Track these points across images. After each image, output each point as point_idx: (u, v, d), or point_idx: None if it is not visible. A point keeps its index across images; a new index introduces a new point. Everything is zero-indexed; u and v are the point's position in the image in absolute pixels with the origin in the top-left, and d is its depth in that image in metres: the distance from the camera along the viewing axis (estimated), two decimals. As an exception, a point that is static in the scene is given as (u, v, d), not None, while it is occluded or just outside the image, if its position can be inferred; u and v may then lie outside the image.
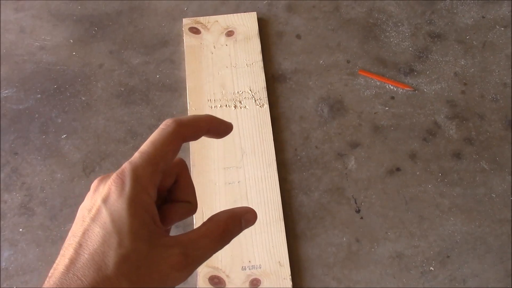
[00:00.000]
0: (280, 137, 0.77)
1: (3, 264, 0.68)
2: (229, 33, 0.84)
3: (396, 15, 0.87)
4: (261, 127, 0.76)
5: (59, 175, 0.74)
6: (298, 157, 0.76)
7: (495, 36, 0.85)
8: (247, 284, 0.66)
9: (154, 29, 0.87)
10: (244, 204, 0.70)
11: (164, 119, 0.78)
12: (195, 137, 0.35)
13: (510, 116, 0.78)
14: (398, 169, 0.75)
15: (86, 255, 0.30)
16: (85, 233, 0.30)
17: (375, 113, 0.79)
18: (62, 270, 0.30)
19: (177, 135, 0.33)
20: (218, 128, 0.36)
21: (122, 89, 0.81)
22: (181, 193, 0.37)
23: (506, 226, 0.71)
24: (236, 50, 0.82)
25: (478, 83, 0.81)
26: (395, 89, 0.81)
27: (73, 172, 0.74)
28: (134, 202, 0.31)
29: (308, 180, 0.74)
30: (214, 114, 0.76)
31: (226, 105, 0.78)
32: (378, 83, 0.81)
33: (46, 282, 0.31)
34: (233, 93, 0.79)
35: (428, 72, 0.82)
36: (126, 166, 0.32)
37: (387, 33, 0.86)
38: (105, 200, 0.31)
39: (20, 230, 0.70)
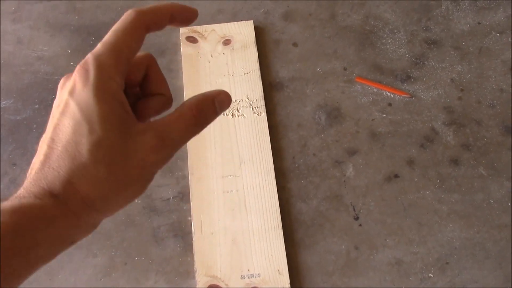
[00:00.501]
0: (278, 145, 0.77)
1: (1, 275, 0.68)
2: (226, 42, 0.84)
3: (392, 22, 0.88)
4: (259, 135, 0.76)
5: (57, 185, 0.74)
6: (296, 165, 0.76)
7: (491, 42, 0.85)
8: (246, 293, 0.66)
9: (151, 38, 0.87)
10: (243, 214, 0.70)
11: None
12: (159, 24, 0.34)
13: (507, 122, 0.78)
14: (396, 176, 0.75)
15: (59, 148, 0.30)
16: (56, 127, 0.31)
17: (372, 120, 0.79)
18: (38, 166, 0.30)
19: (138, 23, 0.33)
20: (181, 13, 0.36)
21: (120, 98, 0.81)
22: (153, 86, 0.37)
23: (505, 231, 0.71)
24: (233, 59, 0.83)
25: (474, 89, 0.81)
26: (392, 96, 0.81)
27: (72, 182, 0.74)
28: (100, 89, 0.30)
29: (306, 187, 0.74)
30: (211, 123, 0.77)
31: (224, 114, 0.78)
32: (375, 90, 0.81)
33: (24, 182, 0.31)
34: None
35: (424, 79, 0.82)
36: (88, 56, 0.32)
37: (384, 40, 0.86)
38: (71, 93, 0.31)
39: (19, 241, 0.70)
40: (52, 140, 0.30)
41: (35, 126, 0.79)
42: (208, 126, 0.77)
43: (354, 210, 0.73)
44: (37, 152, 0.31)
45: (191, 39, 0.84)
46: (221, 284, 0.66)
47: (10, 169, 0.75)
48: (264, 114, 0.78)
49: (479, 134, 0.78)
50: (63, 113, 0.31)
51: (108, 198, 0.31)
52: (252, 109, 0.78)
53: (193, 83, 0.80)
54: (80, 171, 0.30)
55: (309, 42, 0.86)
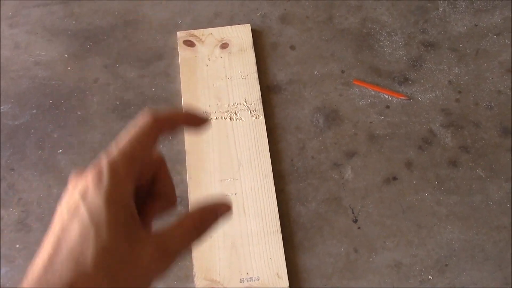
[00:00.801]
0: (276, 148, 0.77)
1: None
2: (224, 45, 0.84)
3: (389, 24, 0.88)
4: (257, 138, 0.76)
5: (55, 190, 0.74)
6: (295, 168, 0.76)
7: (488, 44, 0.86)
8: (245, 297, 0.65)
9: (148, 42, 0.87)
10: (241, 217, 0.70)
11: (160, 132, 0.78)
12: (172, 131, 0.35)
13: (505, 123, 0.78)
14: (394, 178, 0.75)
15: (64, 251, 0.30)
16: (64, 229, 0.30)
17: (370, 122, 0.79)
18: (40, 268, 0.30)
19: (154, 129, 0.33)
20: (195, 122, 0.36)
21: (118, 103, 0.81)
22: (160, 187, 0.37)
23: (503, 233, 0.71)
24: (231, 62, 0.83)
25: (472, 91, 0.81)
26: (390, 98, 0.81)
27: (70, 187, 0.74)
28: (112, 196, 0.31)
29: (305, 190, 0.74)
30: (210, 126, 0.77)
31: (221, 117, 0.78)
32: (372, 93, 0.81)
33: (24, 281, 0.30)
34: (229, 105, 0.79)
35: (422, 81, 0.82)
36: (103, 160, 0.32)
37: (381, 43, 0.86)
38: (83, 195, 0.31)
39: (17, 246, 0.70)
40: (59, 242, 0.30)
41: (32, 131, 0.78)
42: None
43: (353, 212, 0.72)
44: (41, 250, 0.31)
45: (189, 43, 0.84)
46: (220, 288, 0.66)
47: (8, 174, 0.75)
48: (262, 117, 0.78)
49: (477, 136, 0.78)
50: (72, 215, 0.31)
51: None
52: (250, 112, 0.78)
53: (190, 87, 0.80)
54: (82, 279, 0.29)
55: (307, 45, 0.86)
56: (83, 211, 0.30)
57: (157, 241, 0.32)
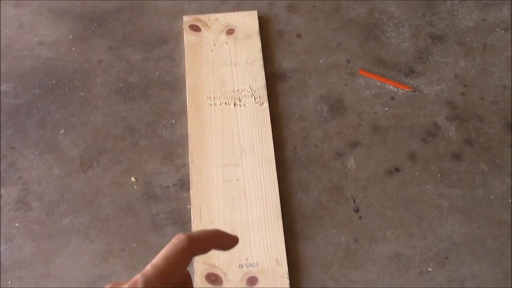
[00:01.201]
0: (280, 135, 0.77)
1: (-2, 259, 0.67)
2: (230, 31, 0.84)
3: (396, 16, 0.87)
4: (260, 125, 0.76)
5: (56, 170, 0.73)
6: (297, 156, 0.75)
7: (495, 39, 0.85)
8: (244, 282, 0.65)
9: (154, 26, 0.86)
10: (242, 203, 0.70)
11: (163, 116, 0.78)
12: (205, 252, 0.37)
13: (510, 118, 0.78)
14: (397, 170, 0.74)
15: None
16: None
17: (375, 113, 0.79)
18: None
19: (188, 251, 0.35)
20: (225, 242, 0.39)
21: (121, 85, 0.80)
22: None
23: (505, 228, 0.71)
24: (236, 48, 0.82)
25: (478, 85, 0.81)
26: (395, 89, 0.80)
27: (71, 167, 0.74)
28: None
29: (307, 179, 0.74)
30: (213, 112, 0.76)
31: (225, 103, 0.77)
32: (378, 84, 0.81)
33: None
34: (233, 91, 0.78)
35: (428, 73, 0.82)
36: (139, 278, 0.33)
37: (388, 34, 0.86)
38: None
39: (16, 224, 0.69)
40: None
41: (35, 110, 0.78)
42: (210, 115, 0.77)
43: (355, 202, 0.72)
44: None
45: (195, 28, 0.84)
46: (219, 273, 0.65)
47: (9, 152, 0.75)
48: (266, 104, 0.77)
49: (482, 130, 0.77)
50: None
51: None
52: (254, 99, 0.78)
53: (195, 71, 0.80)
54: None
55: (313, 34, 0.86)
56: None
57: None
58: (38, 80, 0.81)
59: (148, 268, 0.34)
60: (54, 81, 0.80)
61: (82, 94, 0.79)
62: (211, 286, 0.64)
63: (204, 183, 0.71)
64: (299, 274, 0.67)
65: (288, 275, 0.65)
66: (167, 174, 0.73)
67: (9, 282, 0.66)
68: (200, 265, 0.65)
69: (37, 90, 0.80)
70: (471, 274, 0.68)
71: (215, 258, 0.66)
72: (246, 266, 0.66)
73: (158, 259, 0.34)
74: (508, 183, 0.73)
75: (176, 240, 0.35)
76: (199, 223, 0.68)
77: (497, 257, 0.69)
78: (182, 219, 0.70)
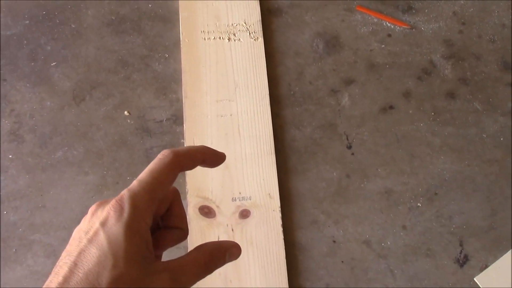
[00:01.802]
0: (274, 72, 0.76)
1: (-7, 189, 0.68)
2: (225, -37, 0.81)
3: (397, -50, 0.85)
4: (255, 60, 0.75)
5: (48, 103, 0.73)
6: (292, 92, 0.75)
7: (496, -24, 0.83)
8: (236, 215, 0.66)
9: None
10: (236, 138, 0.70)
11: (156, 50, 0.77)
12: (191, 167, 0.37)
13: (506, 58, 0.77)
14: (391, 107, 0.74)
15: (80, 274, 0.31)
16: (81, 253, 0.32)
17: (371, 50, 0.78)
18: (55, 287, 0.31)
19: (174, 166, 0.35)
20: (212, 158, 0.39)
21: (113, 17, 0.78)
22: (174, 220, 0.39)
23: (495, 166, 0.72)
24: (232, -19, 0.80)
25: (476, 23, 0.80)
26: (392, 26, 0.79)
27: (63, 100, 0.73)
28: (131, 228, 0.32)
29: (301, 115, 0.74)
30: (207, 47, 0.75)
31: (219, 37, 0.76)
32: (375, 20, 0.80)
33: None
34: (227, 25, 0.77)
35: (426, 11, 0.80)
36: (125, 193, 0.33)
37: (387, -31, 0.83)
38: (103, 224, 0.32)
39: (10, 156, 0.70)
40: (75, 264, 0.31)
41: (25, 42, 0.76)
42: (203, 49, 0.76)
43: (348, 139, 0.72)
44: (55, 271, 0.32)
45: (188, -41, 0.81)
46: (212, 206, 0.66)
47: (0, 85, 0.74)
48: (261, 39, 0.76)
49: (477, 69, 0.77)
50: (91, 241, 0.32)
51: None
52: (249, 34, 0.76)
53: (188, 4, 0.78)
54: None
55: (310, -32, 0.83)
56: (102, 238, 0.32)
57: (171, 273, 0.34)
58: (27, 11, 0.79)
59: (134, 183, 0.34)
60: (44, 12, 0.78)
61: (73, 26, 0.78)
62: (205, 218, 0.66)
63: (197, 118, 0.71)
64: (291, 208, 0.68)
65: (280, 209, 0.67)
66: (161, 108, 0.73)
67: (5, 212, 0.67)
68: (193, 198, 0.66)
69: (27, 21, 0.78)
70: (459, 210, 0.69)
71: (208, 192, 0.67)
72: (239, 200, 0.67)
73: (144, 174, 0.35)
74: (501, 122, 0.74)
75: (161, 155, 0.35)
76: (193, 157, 0.69)
77: (485, 194, 0.70)
78: (175, 153, 0.70)
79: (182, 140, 0.71)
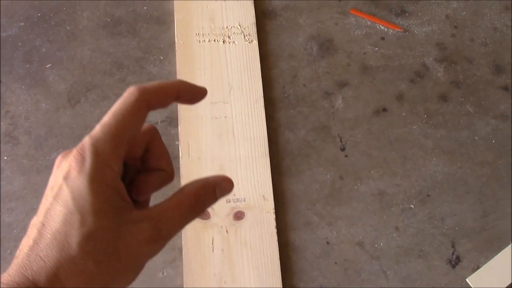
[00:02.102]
0: (269, 74, 0.76)
1: (-13, 191, 0.68)
2: (220, -34, 0.81)
3: (390, -46, 0.86)
4: (249, 63, 0.75)
5: (43, 104, 0.73)
6: (286, 95, 0.75)
7: (489, -20, 0.84)
8: (231, 217, 0.67)
9: (142, -41, 0.84)
10: (230, 140, 0.70)
11: (151, 52, 0.77)
12: (163, 104, 0.33)
13: (498, 61, 0.78)
14: (384, 110, 0.75)
15: (48, 235, 0.29)
16: (47, 212, 0.29)
17: (364, 53, 0.78)
18: (26, 251, 0.29)
19: (140, 104, 0.31)
20: (189, 93, 0.34)
21: (108, 19, 0.79)
22: (154, 161, 0.35)
23: (486, 168, 0.72)
24: (226, -16, 0.80)
25: (469, 27, 0.81)
26: (386, 29, 0.80)
27: (58, 102, 0.73)
28: (95, 178, 0.29)
29: (295, 117, 0.74)
30: (202, 49, 0.76)
31: (214, 40, 0.76)
32: (369, 23, 0.80)
33: (11, 264, 0.29)
34: (222, 27, 0.77)
35: (419, 14, 0.81)
36: (86, 140, 0.30)
37: (381, -28, 0.84)
38: (66, 177, 0.30)
39: (5, 158, 0.70)
40: (43, 225, 0.29)
41: (20, 44, 0.77)
42: (198, 52, 0.76)
43: (341, 141, 0.73)
44: (27, 233, 0.30)
45: (183, -39, 0.81)
46: (206, 207, 0.67)
47: (-5, 86, 0.74)
48: (255, 42, 0.77)
49: (470, 72, 0.78)
50: (56, 198, 0.29)
51: None
52: (244, 36, 0.77)
53: (184, 6, 0.78)
54: (67, 263, 0.28)
55: (305, -29, 0.84)
56: (66, 194, 0.29)
57: (152, 221, 0.30)
58: (23, 13, 0.79)
59: (96, 128, 0.31)
60: (39, 14, 0.79)
61: (68, 28, 0.78)
62: (199, 219, 0.66)
63: (192, 119, 0.71)
64: (285, 210, 0.69)
65: (274, 210, 0.67)
66: (156, 110, 0.73)
67: (0, 213, 0.67)
68: (188, 200, 0.67)
69: (22, 23, 0.78)
70: (451, 212, 0.70)
71: (203, 193, 0.67)
72: (233, 201, 0.67)
73: (106, 116, 0.31)
74: (493, 125, 0.74)
75: (126, 93, 0.32)
76: (188, 159, 0.69)
77: (477, 196, 0.71)
78: (170, 155, 0.71)
79: (176, 142, 0.71)
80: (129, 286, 0.31)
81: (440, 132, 0.74)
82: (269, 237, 0.66)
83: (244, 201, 0.67)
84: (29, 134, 0.71)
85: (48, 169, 0.69)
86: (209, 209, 0.67)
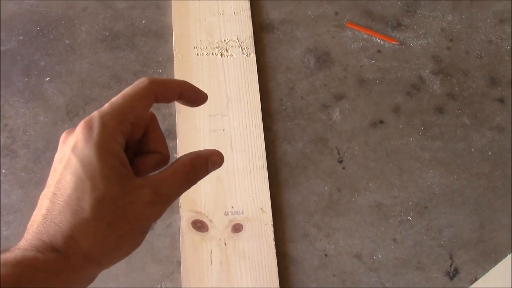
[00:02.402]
0: (266, 86, 0.77)
1: (-14, 204, 0.68)
2: (217, -20, 0.82)
3: (386, -32, 0.87)
4: (247, 76, 0.76)
5: (42, 118, 0.73)
6: (283, 107, 0.76)
7: (483, -7, 0.85)
8: (229, 229, 0.67)
9: (140, -27, 0.85)
10: (228, 153, 0.71)
11: (149, 66, 0.78)
12: (167, 97, 0.36)
13: (493, 73, 0.79)
14: (381, 122, 0.76)
15: (61, 203, 0.31)
16: (58, 182, 0.31)
17: (361, 66, 0.79)
18: (40, 220, 0.31)
19: (149, 92, 0.34)
20: (191, 94, 0.37)
21: (107, 33, 0.79)
22: (152, 144, 0.38)
23: (483, 179, 0.73)
24: (224, -2, 0.81)
25: (464, 40, 0.82)
26: (382, 42, 0.81)
27: (57, 115, 0.74)
28: (102, 147, 0.31)
29: (292, 130, 0.75)
30: (200, 62, 0.76)
31: (212, 53, 0.77)
32: (365, 36, 0.81)
33: (25, 234, 0.31)
34: (220, 41, 0.78)
35: (415, 27, 0.82)
36: (94, 114, 0.33)
37: (376, -14, 0.85)
38: (73, 149, 0.32)
39: (3, 171, 0.70)
40: (54, 194, 0.31)
41: (19, 58, 0.77)
42: (196, 65, 0.77)
43: (339, 153, 0.74)
44: (38, 205, 0.32)
45: (181, -24, 0.82)
46: (205, 220, 0.67)
47: (-6, 100, 0.74)
48: (253, 55, 0.77)
49: (465, 84, 0.78)
50: (65, 168, 0.31)
51: (108, 253, 0.32)
52: (242, 49, 0.78)
53: (182, 20, 0.79)
54: (81, 226, 0.30)
55: (301, -15, 0.85)
56: (75, 163, 0.31)
57: (152, 186, 0.33)
58: (22, 27, 0.79)
59: (105, 105, 0.33)
60: (38, 28, 0.79)
61: (67, 42, 0.79)
62: (198, 232, 0.66)
63: (190, 132, 0.72)
64: (283, 222, 0.69)
65: (272, 223, 0.67)
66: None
67: (-2, 227, 0.67)
68: (186, 213, 0.67)
69: (21, 37, 0.79)
70: (449, 223, 0.70)
71: (201, 206, 0.67)
72: (232, 214, 0.67)
73: (116, 97, 0.34)
74: (489, 136, 0.75)
75: (138, 81, 0.35)
76: (186, 171, 0.69)
77: (474, 207, 0.71)
78: (168, 167, 0.71)
79: (175, 155, 0.71)
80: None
81: (436, 144, 0.74)
82: (267, 249, 0.66)
83: (242, 213, 0.68)
84: (27, 147, 0.71)
85: (46, 183, 0.69)
86: (208, 221, 0.67)
